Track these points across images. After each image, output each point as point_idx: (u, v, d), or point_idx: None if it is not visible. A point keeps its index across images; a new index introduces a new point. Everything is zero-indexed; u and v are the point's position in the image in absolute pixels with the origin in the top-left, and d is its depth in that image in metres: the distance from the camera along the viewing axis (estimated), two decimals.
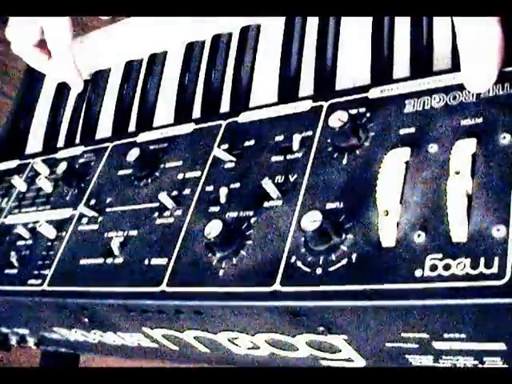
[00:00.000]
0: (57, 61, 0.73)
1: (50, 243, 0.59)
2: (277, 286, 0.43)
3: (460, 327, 0.38)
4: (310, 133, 0.49)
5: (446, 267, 0.37)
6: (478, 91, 0.43)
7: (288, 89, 0.58)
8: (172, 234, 0.51)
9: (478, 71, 0.42)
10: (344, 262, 0.41)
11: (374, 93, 0.48)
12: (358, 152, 0.46)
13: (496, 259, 0.36)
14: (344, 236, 0.42)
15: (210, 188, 0.52)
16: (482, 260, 0.36)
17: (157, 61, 0.71)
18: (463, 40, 0.41)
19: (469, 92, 0.43)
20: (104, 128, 0.72)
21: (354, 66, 0.55)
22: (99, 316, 0.55)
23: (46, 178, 0.65)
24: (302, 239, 0.43)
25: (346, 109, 0.46)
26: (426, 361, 0.43)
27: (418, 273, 0.38)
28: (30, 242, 0.61)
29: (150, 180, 0.57)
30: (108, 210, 0.57)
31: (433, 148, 0.42)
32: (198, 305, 0.46)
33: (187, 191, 0.53)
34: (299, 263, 0.43)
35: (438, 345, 0.40)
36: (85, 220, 0.58)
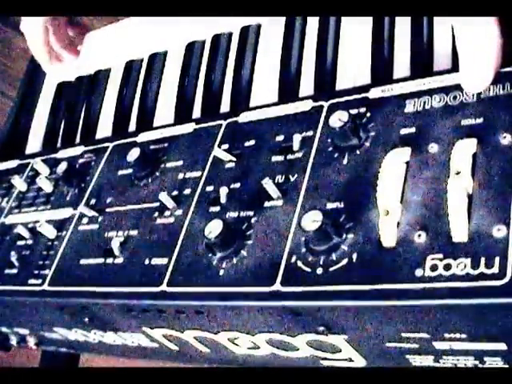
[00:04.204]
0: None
1: (50, 243, 0.59)
2: (277, 286, 0.43)
3: (460, 327, 0.38)
4: (310, 133, 0.49)
5: (447, 267, 0.37)
6: (474, 91, 0.43)
7: (288, 89, 0.58)
8: (172, 234, 0.51)
9: (475, 71, 0.41)
10: (344, 261, 0.41)
11: (375, 93, 0.48)
12: (358, 152, 0.46)
13: (497, 259, 0.36)
14: (344, 236, 0.42)
15: (210, 188, 0.52)
16: (483, 260, 0.36)
17: (157, 61, 0.71)
18: (461, 40, 0.41)
19: (469, 92, 0.43)
20: (104, 128, 0.71)
21: (354, 66, 0.55)
22: (99, 316, 0.54)
23: (46, 177, 0.65)
24: (303, 239, 0.43)
25: (346, 109, 0.46)
26: (427, 361, 0.43)
27: (418, 273, 0.38)
28: (30, 241, 0.61)
29: (150, 180, 0.57)
30: (108, 209, 0.57)
31: (433, 148, 0.42)
32: (199, 305, 0.46)
33: (187, 191, 0.53)
34: (300, 263, 0.43)
35: (438, 345, 0.40)
36: (85, 220, 0.58)
